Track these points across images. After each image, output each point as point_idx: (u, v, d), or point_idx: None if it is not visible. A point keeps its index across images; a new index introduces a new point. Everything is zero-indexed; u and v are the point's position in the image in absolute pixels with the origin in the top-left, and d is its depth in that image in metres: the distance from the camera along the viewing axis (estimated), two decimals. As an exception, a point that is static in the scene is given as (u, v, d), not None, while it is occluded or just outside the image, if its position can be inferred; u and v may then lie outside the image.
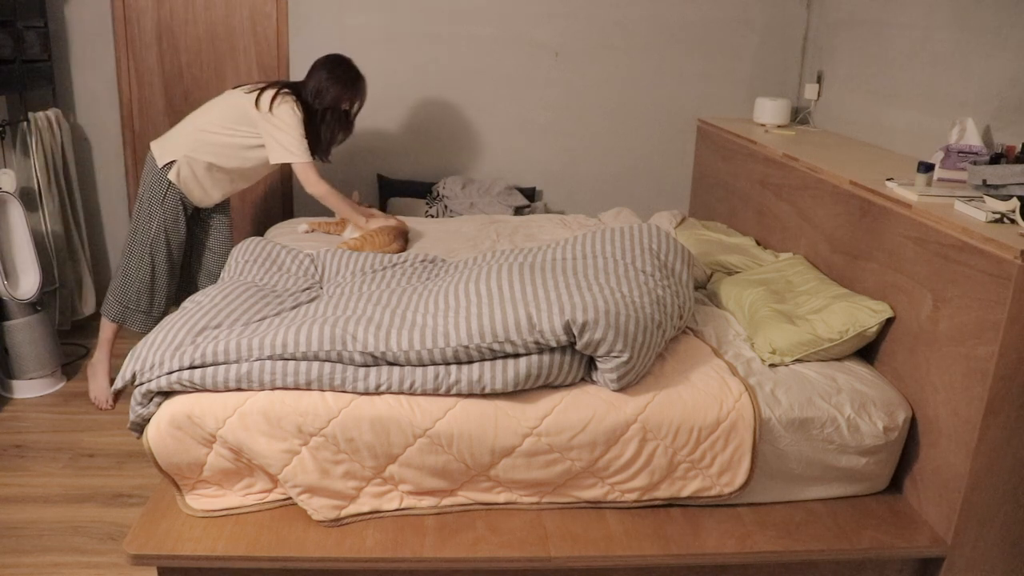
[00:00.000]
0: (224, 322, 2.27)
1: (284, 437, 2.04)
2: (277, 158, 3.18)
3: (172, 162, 3.19)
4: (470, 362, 2.11)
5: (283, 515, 2.11)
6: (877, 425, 2.19)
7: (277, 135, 3.15)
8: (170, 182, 3.20)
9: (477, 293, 2.35)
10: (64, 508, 2.68)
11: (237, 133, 3.19)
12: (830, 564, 2.15)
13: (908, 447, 2.27)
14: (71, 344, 3.90)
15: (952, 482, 2.09)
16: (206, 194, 3.30)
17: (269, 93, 3.16)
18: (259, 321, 2.31)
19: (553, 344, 2.11)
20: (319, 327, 2.15)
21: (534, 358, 2.11)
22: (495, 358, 2.12)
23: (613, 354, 2.11)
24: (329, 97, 3.22)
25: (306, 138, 3.18)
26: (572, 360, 2.16)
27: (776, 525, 2.15)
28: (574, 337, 2.11)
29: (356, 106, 3.35)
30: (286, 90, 3.19)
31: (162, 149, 3.23)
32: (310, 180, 3.19)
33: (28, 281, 3.46)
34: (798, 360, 2.38)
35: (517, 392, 2.13)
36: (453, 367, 2.11)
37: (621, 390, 2.16)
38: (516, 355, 2.11)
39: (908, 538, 2.12)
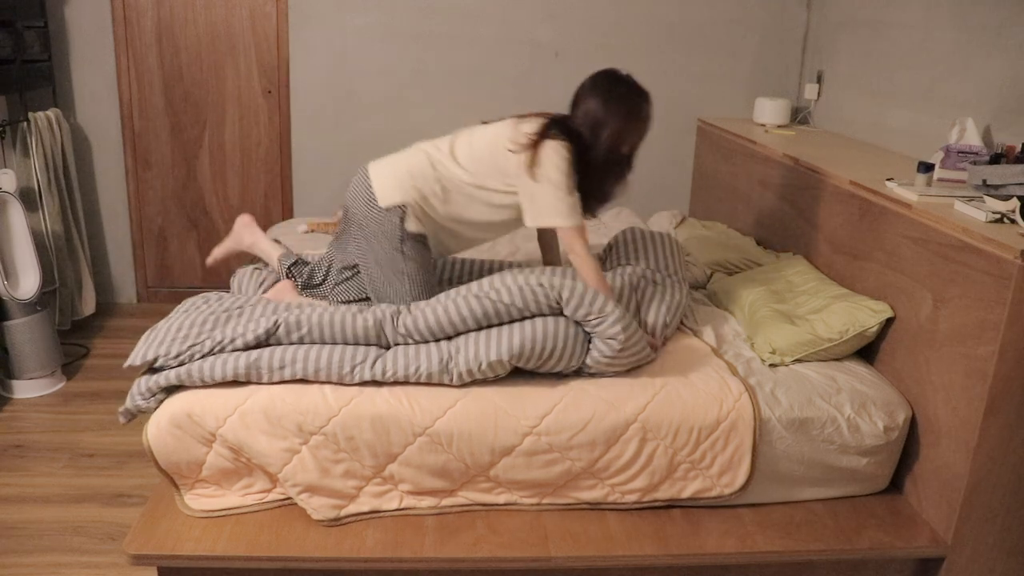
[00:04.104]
0: (235, 312, 2.31)
1: (284, 436, 2.05)
2: (536, 220, 2.34)
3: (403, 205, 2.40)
4: (467, 332, 2.16)
5: (283, 515, 2.11)
6: (877, 425, 2.19)
7: (536, 190, 2.31)
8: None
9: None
10: (64, 508, 2.68)
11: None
12: (830, 564, 2.15)
13: (908, 447, 2.27)
14: (71, 344, 3.90)
15: (952, 482, 2.09)
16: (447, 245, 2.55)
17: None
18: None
19: (542, 297, 2.16)
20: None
21: (527, 326, 2.14)
22: (491, 326, 2.17)
23: (604, 314, 2.15)
24: (606, 135, 2.32)
25: (575, 191, 2.31)
26: (569, 330, 2.17)
27: (776, 525, 2.14)
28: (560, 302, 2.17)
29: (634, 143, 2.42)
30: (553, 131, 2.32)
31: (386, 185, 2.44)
32: (575, 249, 2.31)
33: (28, 281, 3.46)
34: (798, 360, 2.37)
35: (517, 390, 2.13)
36: (451, 346, 2.14)
37: (626, 351, 2.16)
38: (511, 321, 2.16)
39: (908, 538, 2.12)
